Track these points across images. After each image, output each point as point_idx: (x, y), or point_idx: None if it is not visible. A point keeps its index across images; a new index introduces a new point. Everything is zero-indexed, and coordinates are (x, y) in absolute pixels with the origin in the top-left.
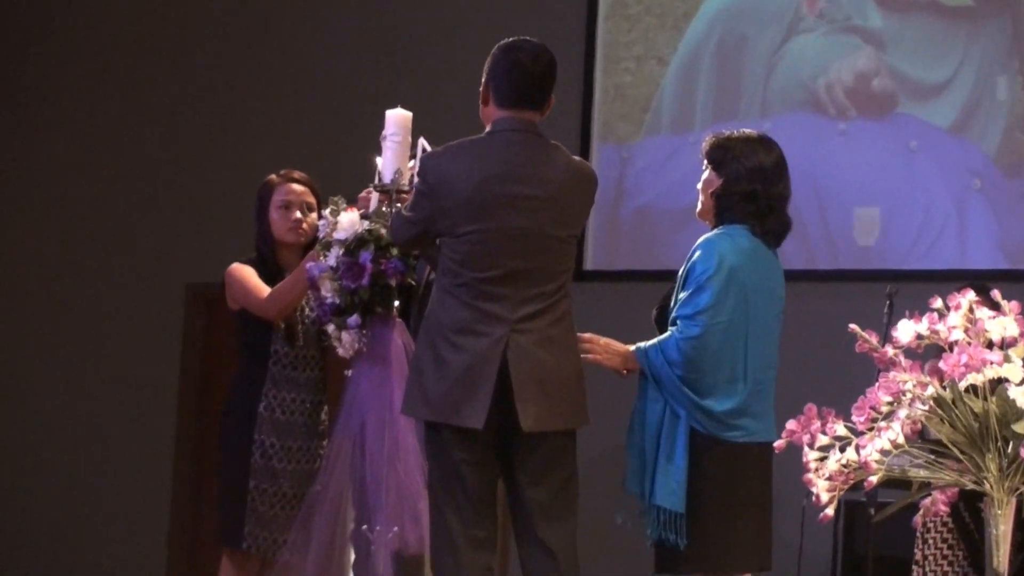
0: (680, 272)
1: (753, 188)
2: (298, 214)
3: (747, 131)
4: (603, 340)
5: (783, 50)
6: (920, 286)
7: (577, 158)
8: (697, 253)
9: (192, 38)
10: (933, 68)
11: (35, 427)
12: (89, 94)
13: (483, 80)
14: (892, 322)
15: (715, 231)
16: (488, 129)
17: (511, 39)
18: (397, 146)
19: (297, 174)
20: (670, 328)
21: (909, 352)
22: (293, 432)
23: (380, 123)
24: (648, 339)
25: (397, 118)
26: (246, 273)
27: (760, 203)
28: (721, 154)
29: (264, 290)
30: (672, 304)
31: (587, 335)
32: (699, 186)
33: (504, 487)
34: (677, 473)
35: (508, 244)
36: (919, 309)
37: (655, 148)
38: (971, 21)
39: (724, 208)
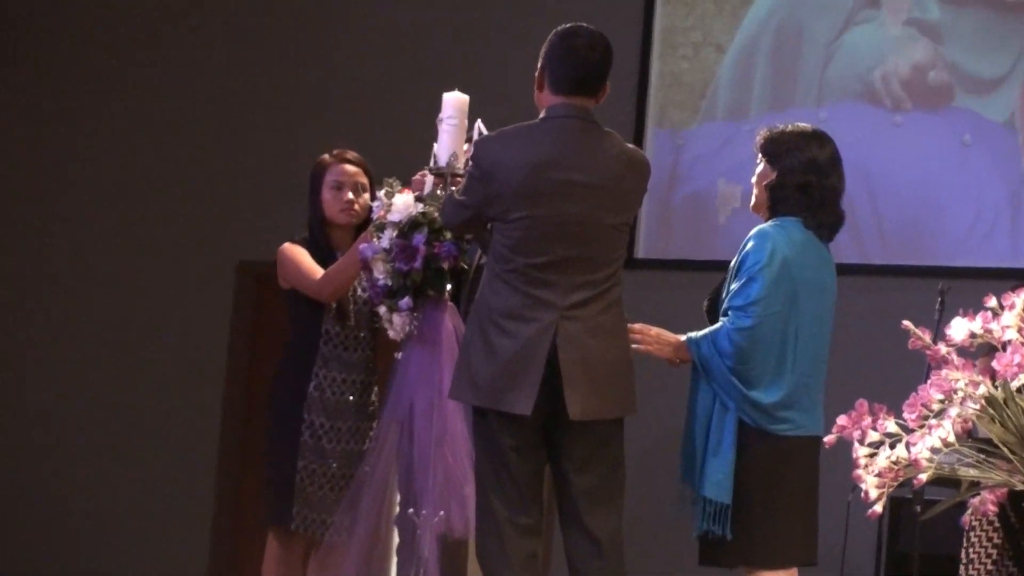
0: (732, 263)
1: (807, 180)
2: (350, 195)
3: (801, 124)
4: (654, 330)
5: (840, 40)
6: (971, 283)
7: (630, 146)
8: (750, 244)
9: (247, 14)
10: (990, 62)
11: (82, 403)
12: (142, 71)
13: (539, 65)
14: (943, 319)
15: (768, 223)
16: (542, 115)
17: (568, 25)
18: (453, 129)
19: (350, 154)
20: (721, 319)
21: (961, 350)
22: (343, 412)
23: (437, 105)
24: (699, 328)
25: (454, 101)
26: (299, 254)
27: (813, 196)
28: (775, 147)
29: (318, 271)
30: (724, 295)
31: (638, 325)
32: (753, 180)
33: (551, 474)
34: (724, 465)
35: (559, 231)
36: (970, 306)
37: (710, 135)
38: None
39: (777, 200)
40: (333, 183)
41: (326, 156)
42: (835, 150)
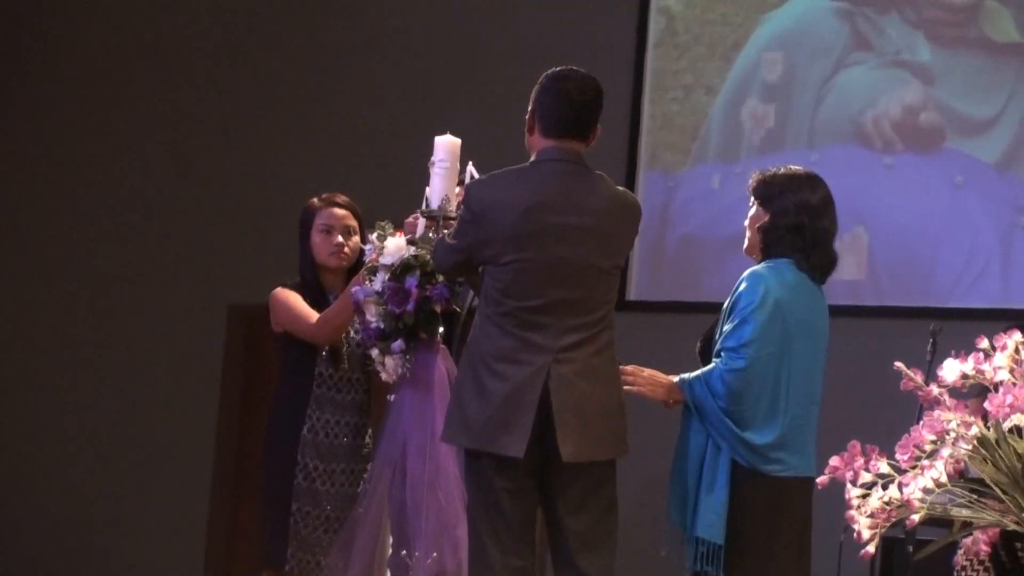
0: (725, 304)
1: (800, 222)
2: (339, 238)
3: (794, 167)
4: (647, 371)
5: (831, 83)
6: (963, 324)
7: (621, 188)
8: (743, 285)
9: (239, 62)
10: (981, 104)
11: (77, 445)
12: (133, 118)
13: (529, 109)
14: (936, 360)
15: (761, 264)
16: (533, 158)
17: (558, 68)
18: (445, 172)
19: (339, 198)
20: (714, 360)
21: (953, 391)
22: (336, 454)
23: (429, 149)
24: (691, 370)
25: (446, 144)
26: (292, 298)
27: (806, 237)
28: (768, 189)
29: (312, 315)
30: (716, 336)
31: (631, 367)
32: (746, 222)
33: (543, 516)
34: (717, 505)
35: (551, 274)
36: (962, 346)
37: (701, 177)
38: (1020, 57)
39: (771, 242)
40: (322, 227)
41: (315, 200)
42: (828, 192)
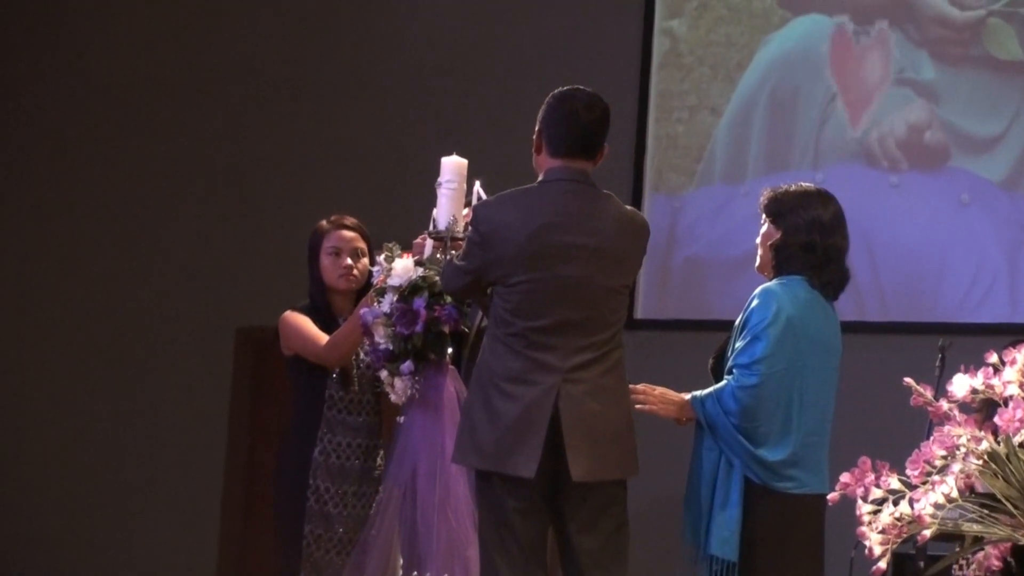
0: (737, 321)
1: (811, 239)
2: (348, 260)
3: (804, 184)
4: (658, 390)
5: (836, 102)
6: (971, 339)
7: (629, 208)
8: (755, 302)
9: (248, 83)
10: (986, 122)
11: (84, 468)
12: (140, 137)
13: (536, 128)
14: (944, 375)
15: (773, 281)
16: (541, 178)
17: (565, 88)
18: (452, 193)
19: (348, 220)
20: (726, 377)
21: (963, 406)
22: (348, 477)
23: (436, 169)
24: (699, 388)
25: (453, 165)
26: (302, 321)
27: (818, 254)
28: (779, 207)
29: (322, 338)
30: (728, 353)
31: (641, 386)
32: (758, 240)
33: (554, 535)
34: (730, 522)
35: (560, 294)
36: (970, 362)
37: (707, 198)
38: None
39: (782, 260)
40: (331, 249)
41: (323, 223)
42: (839, 209)
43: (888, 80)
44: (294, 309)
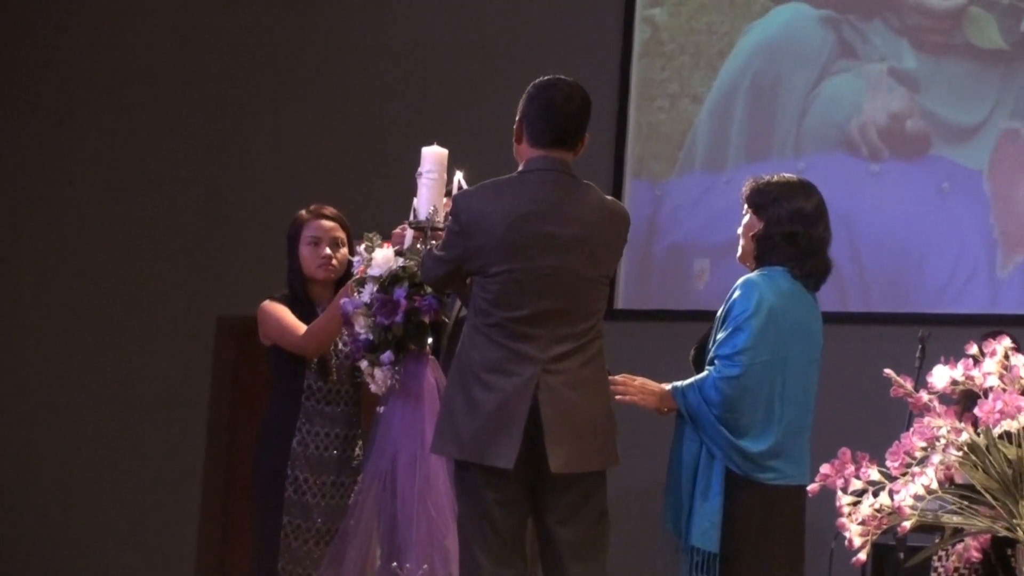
0: (719, 312)
1: (794, 230)
2: (327, 250)
3: (787, 175)
4: (638, 380)
5: (817, 90)
6: (952, 330)
7: (610, 198)
8: (736, 293)
9: (226, 75)
10: (966, 110)
11: (63, 457)
12: (120, 129)
13: (517, 118)
14: (924, 366)
15: (755, 272)
16: (521, 168)
17: (546, 78)
18: (432, 183)
19: (327, 209)
20: (707, 368)
21: (943, 397)
22: (326, 467)
23: (416, 159)
24: (680, 378)
25: (433, 155)
26: (280, 310)
27: (801, 245)
28: (761, 198)
29: (300, 327)
30: (710, 344)
31: (621, 376)
32: (739, 230)
33: (534, 526)
34: (712, 513)
35: (539, 284)
36: (950, 352)
37: (688, 186)
38: (1005, 64)
39: (765, 250)
40: (310, 239)
41: (303, 212)
42: (821, 200)
43: None
44: (273, 299)
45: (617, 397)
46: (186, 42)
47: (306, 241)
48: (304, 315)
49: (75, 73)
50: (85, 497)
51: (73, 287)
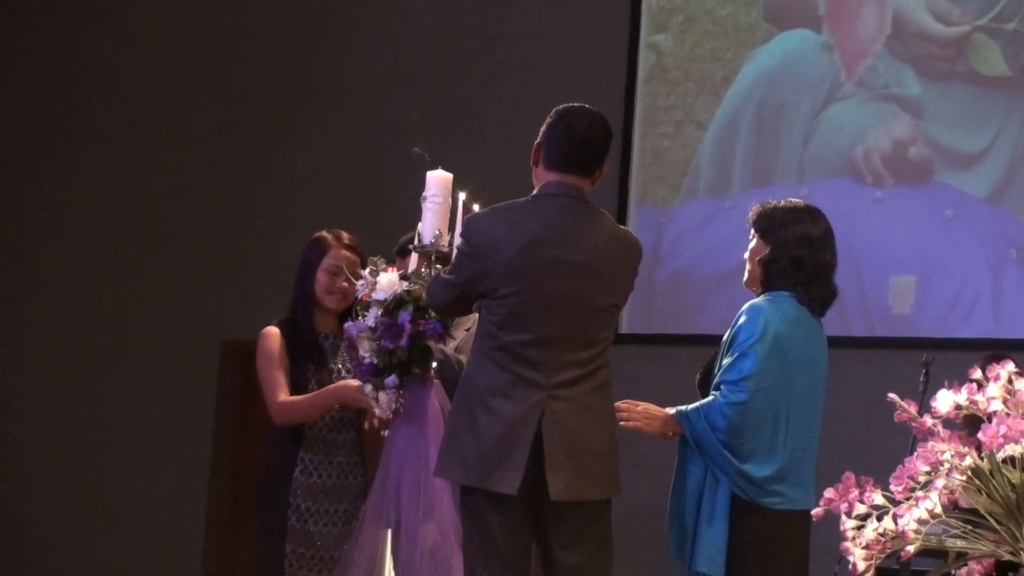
0: (724, 337)
1: (800, 255)
2: (345, 283)
3: (794, 200)
4: (641, 406)
5: (821, 116)
6: (955, 354)
7: (623, 227)
8: (742, 318)
9: (233, 94)
10: (970, 137)
11: (68, 481)
12: (126, 150)
13: (536, 141)
14: (928, 390)
15: (761, 297)
16: (535, 191)
17: (569, 104)
18: (437, 207)
19: (348, 237)
20: (713, 393)
21: (947, 422)
22: (329, 494)
23: (421, 184)
24: (682, 403)
25: (438, 180)
26: (273, 358)
27: (807, 270)
28: (768, 222)
29: (280, 391)
30: (716, 369)
31: (624, 402)
32: (746, 255)
33: (538, 550)
34: (716, 538)
35: (546, 308)
36: (954, 377)
37: (692, 212)
38: (1009, 91)
39: (771, 275)
40: (331, 267)
41: (327, 236)
42: (828, 225)
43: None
44: (275, 324)
45: (621, 424)
46: (192, 62)
47: (326, 268)
48: (304, 342)
49: (68, 93)
50: (89, 523)
51: (75, 309)
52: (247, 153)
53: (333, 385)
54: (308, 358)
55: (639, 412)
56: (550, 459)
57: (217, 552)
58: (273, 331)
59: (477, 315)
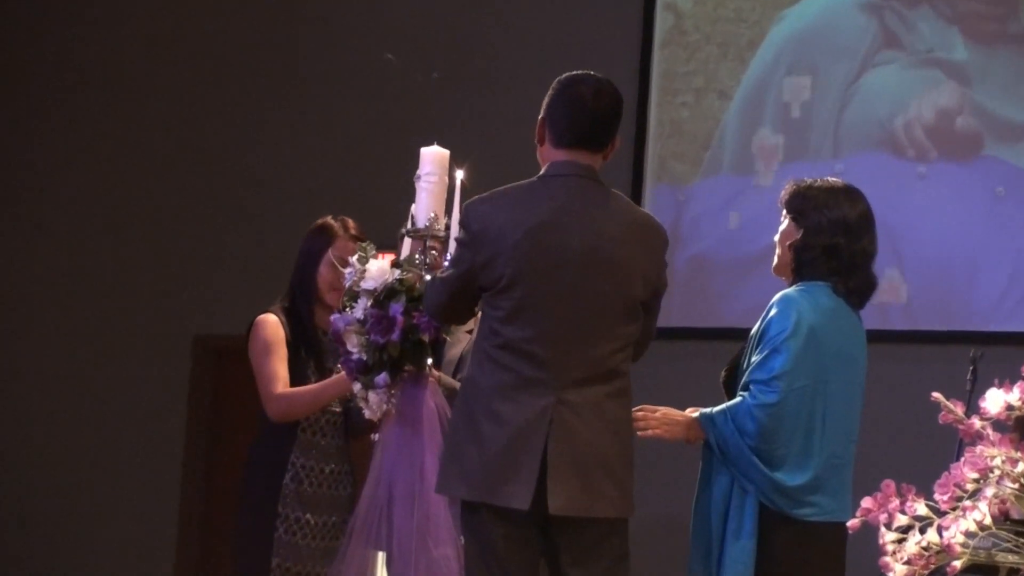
0: (753, 331)
1: (835, 241)
2: None
3: (831, 179)
4: (660, 411)
5: (858, 84)
6: (1007, 349)
7: (642, 210)
8: (773, 311)
9: (212, 84)
10: (1023, 106)
11: (37, 479)
12: (98, 142)
13: (540, 117)
14: (977, 389)
15: (793, 287)
16: (541, 172)
17: (572, 72)
18: (432, 187)
19: (355, 227)
20: (741, 393)
21: (997, 423)
22: (320, 505)
23: (415, 161)
24: (705, 403)
25: (433, 156)
26: (273, 346)
27: (843, 259)
28: (801, 203)
29: (280, 381)
30: (743, 366)
31: (640, 409)
32: (776, 238)
33: (547, 567)
34: (744, 554)
35: (555, 302)
36: (1005, 374)
37: (715, 190)
38: None
39: (803, 263)
40: (338, 259)
41: (332, 223)
42: (867, 209)
43: None
44: (273, 310)
45: (639, 433)
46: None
47: (331, 261)
48: (303, 335)
49: (43, 88)
50: (54, 521)
51: (45, 304)
52: (219, 145)
53: (340, 375)
54: (310, 354)
55: (657, 418)
56: (553, 471)
57: (189, 563)
58: (272, 319)
59: (478, 316)
